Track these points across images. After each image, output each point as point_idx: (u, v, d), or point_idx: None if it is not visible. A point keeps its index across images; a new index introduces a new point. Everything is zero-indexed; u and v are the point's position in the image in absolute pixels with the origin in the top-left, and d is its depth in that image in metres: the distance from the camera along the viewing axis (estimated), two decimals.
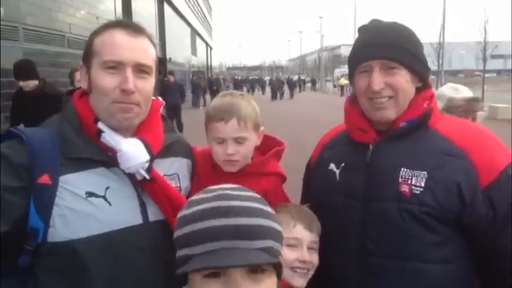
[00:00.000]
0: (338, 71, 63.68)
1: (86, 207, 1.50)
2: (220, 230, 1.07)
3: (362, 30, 1.76)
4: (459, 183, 1.58)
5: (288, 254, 1.63)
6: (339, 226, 1.75)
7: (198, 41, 63.77)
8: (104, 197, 1.53)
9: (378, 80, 1.63)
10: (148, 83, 1.59)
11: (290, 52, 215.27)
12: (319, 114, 23.27)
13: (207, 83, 35.65)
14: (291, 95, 45.10)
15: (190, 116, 20.39)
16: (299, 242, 1.68)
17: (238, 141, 1.77)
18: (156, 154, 1.63)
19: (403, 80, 1.65)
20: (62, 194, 1.47)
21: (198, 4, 61.76)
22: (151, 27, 30.65)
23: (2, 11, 11.46)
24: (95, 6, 19.02)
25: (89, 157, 1.53)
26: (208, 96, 34.40)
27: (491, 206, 1.58)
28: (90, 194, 1.52)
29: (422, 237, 1.60)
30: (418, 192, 1.60)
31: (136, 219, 1.58)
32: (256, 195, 1.20)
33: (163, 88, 16.23)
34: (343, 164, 1.80)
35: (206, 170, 1.86)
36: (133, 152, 1.55)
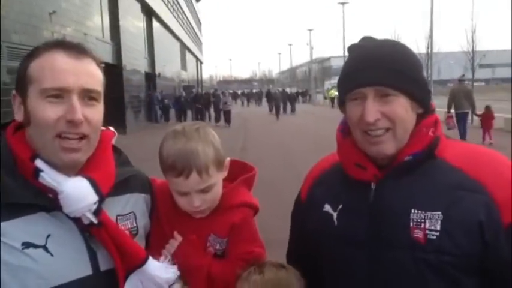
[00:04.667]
0: (328, 83, 63.98)
1: (23, 261, 1.28)
2: None
3: (352, 50, 1.53)
4: (480, 222, 1.35)
5: None
6: (340, 279, 1.53)
7: (188, 55, 63.86)
8: (44, 247, 1.32)
9: (372, 110, 1.40)
10: (98, 111, 1.40)
11: (280, 65, 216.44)
12: (321, 128, 23.12)
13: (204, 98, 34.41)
14: (293, 109, 41.74)
15: None
16: None
17: (204, 191, 1.56)
18: (106, 193, 1.42)
19: (402, 108, 1.42)
20: None
21: (187, 19, 61.96)
22: (140, 43, 30.61)
23: None
24: (82, 23, 18.91)
25: (26, 202, 1.32)
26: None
27: None
28: (28, 245, 1.30)
29: None
30: (435, 237, 1.37)
31: (85, 270, 1.37)
32: None
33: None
34: (340, 206, 1.55)
35: (167, 209, 1.65)
36: (77, 193, 1.34)
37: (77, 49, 1.38)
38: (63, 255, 1.33)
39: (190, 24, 66.31)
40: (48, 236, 1.33)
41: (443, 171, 1.44)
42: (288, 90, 50.19)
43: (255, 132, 23.91)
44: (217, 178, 1.59)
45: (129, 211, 1.54)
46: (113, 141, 1.58)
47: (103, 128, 1.49)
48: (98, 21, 22.00)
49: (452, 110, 16.19)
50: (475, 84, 27.29)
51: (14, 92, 1.40)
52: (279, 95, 38.58)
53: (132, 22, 28.39)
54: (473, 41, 24.64)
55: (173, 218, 1.63)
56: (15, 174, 1.34)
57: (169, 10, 43.54)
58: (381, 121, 1.42)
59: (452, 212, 1.38)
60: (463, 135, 15.70)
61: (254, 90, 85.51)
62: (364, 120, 1.41)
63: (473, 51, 24.78)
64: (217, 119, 30.25)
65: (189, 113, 33.02)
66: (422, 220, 1.39)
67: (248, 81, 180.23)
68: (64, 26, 16.98)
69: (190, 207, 1.58)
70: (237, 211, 1.65)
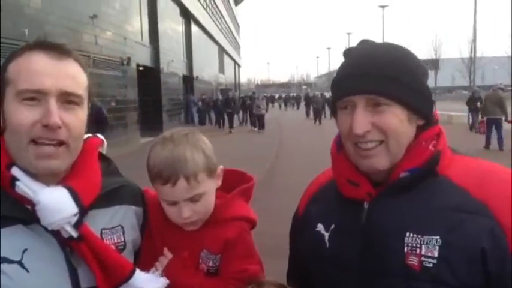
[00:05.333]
0: None
1: None
2: None
3: (347, 54, 1.40)
4: (483, 249, 1.20)
5: None
6: None
7: (226, 58, 64.33)
8: (19, 263, 1.22)
9: (361, 121, 1.27)
10: (79, 116, 1.29)
11: (318, 68, 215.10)
12: None
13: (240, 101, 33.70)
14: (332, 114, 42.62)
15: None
16: None
17: (193, 200, 1.46)
18: (89, 204, 1.32)
19: (395, 119, 1.28)
20: None
21: (226, 22, 62.44)
22: (178, 46, 30.97)
23: (26, 32, 11.58)
24: (121, 27, 19.22)
25: (1, 213, 1.22)
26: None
27: None
28: (2, 260, 1.20)
29: None
30: (431, 265, 1.22)
31: (64, 287, 1.27)
32: None
33: None
34: (332, 226, 1.42)
35: (158, 222, 1.55)
36: (55, 204, 1.24)
37: (58, 50, 1.28)
38: (40, 272, 1.24)
39: (229, 27, 66.80)
40: (25, 250, 1.23)
41: (444, 191, 1.29)
42: (326, 94, 49.08)
43: (290, 138, 22.85)
44: (208, 187, 1.48)
45: (116, 224, 1.43)
46: (103, 150, 1.48)
47: (90, 135, 1.39)
48: (137, 24, 22.36)
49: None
50: None
51: None
52: (319, 99, 36.19)
53: (171, 25, 28.76)
54: None
55: (164, 231, 1.53)
56: None
57: (208, 13, 43.98)
58: (371, 133, 1.28)
59: (452, 237, 1.22)
60: (499, 140, 15.96)
61: (292, 94, 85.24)
62: (353, 131, 1.28)
63: None
64: (253, 123, 29.47)
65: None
66: (418, 245, 1.25)
67: (285, 85, 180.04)
68: (104, 30, 17.30)
69: (179, 219, 1.47)
70: (232, 225, 1.53)
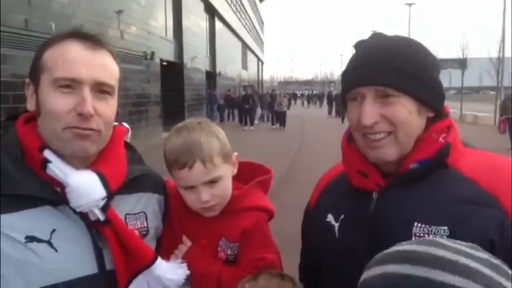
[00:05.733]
0: None
1: (26, 255, 1.22)
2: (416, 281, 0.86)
3: (358, 46, 1.41)
4: (492, 241, 1.20)
5: None
6: None
7: (249, 55, 64.36)
8: (48, 242, 1.26)
9: (370, 112, 1.29)
10: (110, 106, 1.33)
11: (342, 66, 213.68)
12: None
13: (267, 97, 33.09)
14: None
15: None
16: None
17: (211, 183, 1.48)
18: (116, 190, 1.36)
19: (404, 110, 1.29)
20: None
21: (250, 19, 62.46)
22: (202, 42, 31.08)
23: (53, 25, 11.76)
24: (146, 22, 19.38)
25: (31, 194, 1.26)
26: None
27: None
28: (31, 239, 1.24)
29: None
30: None
31: (90, 268, 1.30)
32: (498, 263, 0.92)
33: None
34: (342, 217, 1.44)
35: (177, 210, 1.59)
36: (85, 187, 1.28)
37: (93, 40, 1.32)
38: (67, 252, 1.27)
39: (253, 24, 66.81)
40: (53, 230, 1.27)
41: (454, 182, 1.30)
42: None
43: (312, 136, 22.67)
44: (224, 171, 1.51)
45: (140, 210, 1.47)
46: (128, 139, 1.52)
47: (116, 123, 1.42)
48: (162, 20, 22.50)
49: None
50: None
51: (27, 80, 1.34)
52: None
53: (195, 21, 28.89)
54: None
55: (184, 220, 1.57)
56: (23, 165, 1.29)
57: (232, 10, 44.05)
58: (379, 124, 1.30)
59: (460, 228, 1.23)
60: None
61: (315, 92, 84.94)
62: (362, 122, 1.30)
63: None
64: (274, 121, 28.90)
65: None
66: (426, 235, 1.26)
67: (308, 83, 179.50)
68: (129, 25, 17.47)
69: (198, 204, 1.50)
70: (249, 215, 1.56)
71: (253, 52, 68.64)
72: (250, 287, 1.43)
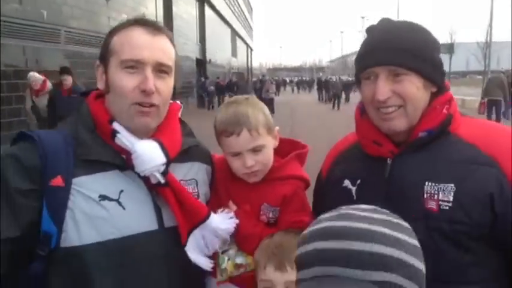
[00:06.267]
0: None
1: (99, 211, 1.43)
2: (327, 254, 0.97)
3: (369, 31, 1.61)
4: (491, 194, 1.42)
5: None
6: None
7: (239, 42, 64.17)
8: (117, 201, 1.46)
9: (384, 89, 1.48)
10: (168, 84, 1.52)
11: (331, 53, 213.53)
12: None
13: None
14: (347, 99, 36.55)
15: None
16: (271, 284, 1.52)
17: (255, 150, 1.66)
18: (173, 158, 1.54)
19: (413, 87, 1.49)
20: (75, 197, 1.41)
21: (239, 5, 62.15)
22: (192, 30, 30.97)
23: (45, 14, 11.77)
24: (136, 9, 19.35)
25: (103, 159, 1.47)
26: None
27: None
28: (104, 198, 1.44)
29: (457, 257, 1.45)
30: (447, 208, 1.44)
31: (151, 224, 1.50)
32: (399, 221, 1.07)
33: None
34: (359, 181, 1.64)
35: (225, 180, 1.77)
36: (148, 154, 1.47)
37: (154, 26, 1.51)
38: (133, 210, 1.47)
39: (242, 10, 66.48)
40: (121, 191, 1.47)
41: (456, 147, 1.50)
42: (344, 78, 46.76)
43: (304, 124, 20.62)
44: (267, 141, 1.70)
45: (191, 177, 1.66)
46: (179, 114, 1.69)
47: (171, 101, 1.60)
48: (152, 7, 22.46)
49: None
50: None
51: (98, 62, 1.54)
52: (338, 83, 34.30)
53: (185, 8, 28.79)
54: None
55: (230, 187, 1.75)
56: (95, 135, 1.49)
57: None
58: (391, 99, 1.49)
59: (465, 184, 1.44)
60: (496, 121, 16.33)
61: (304, 78, 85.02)
62: (376, 98, 1.49)
63: None
64: None
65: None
66: (436, 192, 1.46)
67: (298, 69, 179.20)
68: (120, 12, 17.43)
69: (243, 169, 1.68)
70: (288, 183, 1.73)
71: (242, 39, 68.40)
72: (267, 243, 1.60)
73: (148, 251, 1.47)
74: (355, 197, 1.63)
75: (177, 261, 1.51)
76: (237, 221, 1.64)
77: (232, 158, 1.69)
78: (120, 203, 1.45)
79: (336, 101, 31.20)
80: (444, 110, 1.53)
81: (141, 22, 1.50)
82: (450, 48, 35.74)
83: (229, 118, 1.66)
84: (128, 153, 1.47)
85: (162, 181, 1.49)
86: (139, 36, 1.47)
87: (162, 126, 1.56)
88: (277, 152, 1.78)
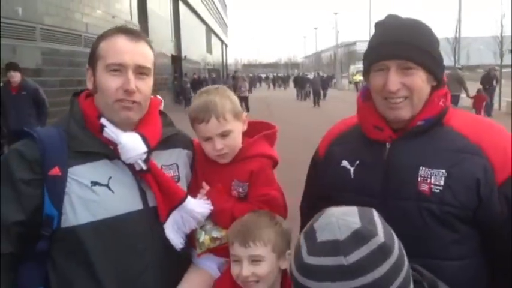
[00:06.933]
0: (353, 67, 62.89)
1: (91, 195, 1.66)
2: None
3: (379, 26, 1.73)
4: (478, 180, 1.58)
5: (233, 269, 1.72)
6: None
7: (214, 38, 63.99)
8: (107, 186, 1.69)
9: (395, 81, 1.61)
10: (148, 84, 1.74)
11: (305, 49, 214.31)
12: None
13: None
14: (324, 95, 34.75)
15: None
16: (238, 258, 1.70)
17: (223, 135, 1.84)
18: (154, 146, 1.76)
19: (420, 80, 1.63)
20: (70, 184, 1.64)
21: (213, 2, 61.92)
22: (167, 26, 30.80)
23: (20, 11, 11.69)
24: (111, 6, 19.25)
25: (93, 150, 1.69)
26: None
27: (506, 203, 1.59)
28: (95, 183, 1.67)
29: (442, 235, 1.60)
30: (438, 191, 1.60)
31: (137, 205, 1.73)
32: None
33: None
34: (357, 162, 1.77)
35: (201, 161, 1.97)
36: (131, 144, 1.69)
37: (134, 34, 1.74)
38: (120, 193, 1.71)
39: (216, 7, 66.26)
40: (110, 177, 1.70)
41: (449, 137, 1.66)
42: (322, 74, 45.42)
43: (283, 125, 16.00)
44: (235, 126, 1.87)
45: (173, 162, 1.88)
46: (161, 107, 1.91)
47: (152, 96, 1.82)
48: (127, 4, 22.33)
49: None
50: (504, 70, 26.64)
51: (87, 65, 1.76)
52: (317, 79, 33.18)
53: (159, 5, 28.64)
54: (502, 25, 24.12)
55: (205, 168, 1.95)
56: (85, 130, 1.72)
57: None
58: (401, 90, 1.62)
59: (455, 170, 1.60)
60: None
61: (279, 74, 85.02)
62: (387, 88, 1.62)
63: (501, 35, 24.24)
64: None
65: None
66: (429, 176, 1.62)
67: (273, 65, 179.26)
68: (94, 9, 17.36)
69: (214, 152, 1.86)
70: (256, 160, 1.90)
71: (217, 35, 68.22)
72: (236, 221, 1.76)
73: (135, 227, 1.71)
74: (352, 176, 1.77)
75: (161, 236, 1.74)
76: (212, 207, 1.82)
77: (204, 142, 1.87)
78: (109, 188, 1.68)
79: (316, 98, 30.14)
80: (441, 103, 1.68)
81: (124, 30, 1.73)
82: None
83: (200, 106, 1.84)
84: (115, 145, 1.69)
85: (144, 167, 1.71)
86: (122, 43, 1.68)
87: (143, 120, 1.77)
88: (249, 134, 1.95)
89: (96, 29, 17.10)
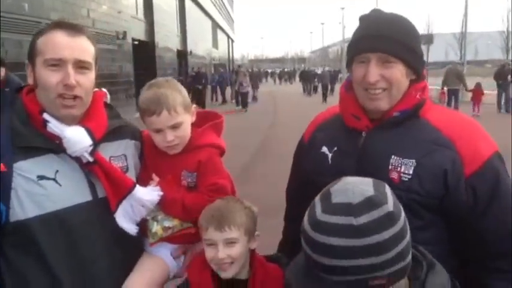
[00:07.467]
0: None
1: (38, 189, 1.68)
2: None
3: (363, 20, 1.79)
4: (446, 171, 1.65)
5: (207, 253, 1.78)
6: None
7: (220, 33, 63.84)
8: (54, 179, 1.71)
9: (374, 73, 1.67)
10: (88, 77, 1.74)
11: (312, 44, 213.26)
12: None
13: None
14: (332, 89, 33.61)
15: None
16: (214, 242, 1.77)
17: (174, 127, 1.87)
18: (100, 138, 1.79)
19: (399, 73, 1.69)
20: (17, 179, 1.66)
21: None
22: (173, 21, 30.79)
23: (26, 6, 11.79)
24: (117, 1, 19.28)
25: (38, 145, 1.70)
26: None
27: (473, 194, 1.65)
28: (41, 177, 1.69)
29: (408, 221, 1.68)
30: (407, 179, 1.67)
31: (86, 196, 1.76)
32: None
33: None
34: (335, 148, 1.85)
35: (150, 152, 2.00)
36: (77, 138, 1.71)
37: (74, 28, 1.74)
38: (68, 186, 1.73)
39: (222, 2, 66.11)
40: (57, 171, 1.72)
41: (423, 129, 1.73)
42: (328, 69, 44.74)
43: (287, 122, 16.75)
44: (185, 118, 1.91)
45: (121, 153, 1.91)
46: (107, 100, 1.94)
47: (96, 89, 1.84)
48: None
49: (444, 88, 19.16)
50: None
51: (26, 61, 1.76)
52: (326, 74, 33.37)
53: (165, 0, 28.63)
54: (508, 20, 24.04)
55: (155, 159, 1.98)
56: (29, 125, 1.73)
57: None
58: (380, 82, 1.69)
59: (425, 161, 1.67)
60: (455, 108, 17.32)
61: (286, 69, 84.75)
62: (367, 80, 1.69)
63: (507, 30, 24.15)
64: (237, 102, 26.16)
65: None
66: (399, 165, 1.69)
67: (279, 60, 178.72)
68: (100, 4, 17.39)
69: (164, 143, 1.89)
70: (203, 150, 1.95)
71: (223, 30, 68.08)
72: (207, 208, 1.82)
73: (85, 218, 1.74)
74: (330, 162, 1.86)
75: (112, 226, 1.77)
76: (161, 193, 1.85)
77: (155, 133, 1.90)
78: (56, 181, 1.70)
79: (325, 93, 30.00)
80: (417, 96, 1.75)
81: (62, 25, 1.72)
82: (429, 38, 35.94)
83: (150, 99, 1.86)
84: (60, 138, 1.70)
85: (91, 160, 1.74)
86: (60, 38, 1.68)
87: (88, 113, 1.79)
88: (197, 124, 1.99)
89: (102, 24, 17.21)
